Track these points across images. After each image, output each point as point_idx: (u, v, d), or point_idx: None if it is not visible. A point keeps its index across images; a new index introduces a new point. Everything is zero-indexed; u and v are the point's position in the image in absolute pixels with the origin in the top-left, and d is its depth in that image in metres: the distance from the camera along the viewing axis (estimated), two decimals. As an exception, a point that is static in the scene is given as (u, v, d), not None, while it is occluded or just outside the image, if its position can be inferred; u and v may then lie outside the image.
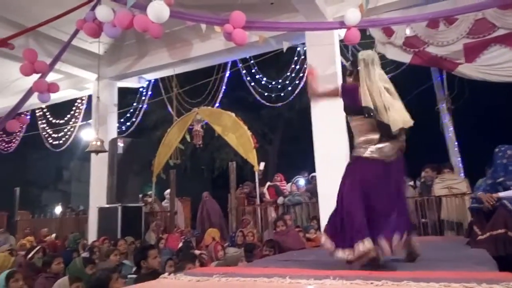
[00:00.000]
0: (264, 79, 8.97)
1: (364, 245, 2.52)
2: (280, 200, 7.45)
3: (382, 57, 6.06)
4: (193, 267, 3.53)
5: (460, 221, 5.58)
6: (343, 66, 6.18)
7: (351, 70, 3.09)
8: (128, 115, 9.90)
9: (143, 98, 9.62)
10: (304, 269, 2.51)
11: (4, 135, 10.57)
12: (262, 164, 7.52)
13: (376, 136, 2.83)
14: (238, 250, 4.81)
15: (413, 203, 5.89)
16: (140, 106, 9.68)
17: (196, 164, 16.46)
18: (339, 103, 3.13)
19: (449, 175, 6.12)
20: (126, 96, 10.18)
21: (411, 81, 8.06)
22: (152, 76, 9.17)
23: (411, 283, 1.97)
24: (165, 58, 8.11)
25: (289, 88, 8.66)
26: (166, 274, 2.36)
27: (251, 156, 7.31)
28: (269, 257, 4.14)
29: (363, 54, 2.99)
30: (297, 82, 8.43)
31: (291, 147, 15.36)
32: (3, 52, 6.58)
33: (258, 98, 8.91)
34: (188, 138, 8.27)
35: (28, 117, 9.73)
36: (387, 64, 6.43)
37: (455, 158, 8.28)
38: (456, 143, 8.41)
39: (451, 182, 5.92)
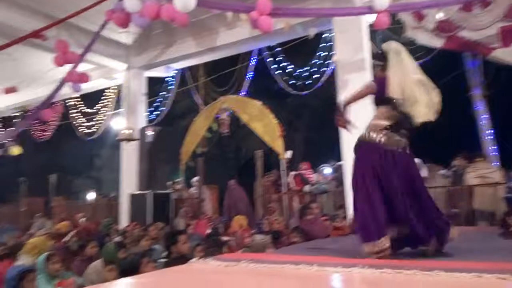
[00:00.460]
0: (290, 66, 8.89)
1: (382, 243, 2.56)
2: (306, 188, 7.44)
3: (411, 42, 5.89)
4: (221, 253, 3.61)
5: (492, 211, 5.41)
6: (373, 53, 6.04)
7: (380, 63, 3.04)
8: (157, 104, 10.08)
9: (171, 87, 9.77)
10: (332, 257, 2.52)
11: (39, 124, 11.00)
12: (290, 153, 7.50)
13: (391, 123, 2.84)
14: (265, 237, 4.85)
15: (444, 193, 5.75)
16: (168, 95, 9.83)
17: (222, 152, 16.62)
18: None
19: (482, 164, 5.91)
20: (155, 85, 10.36)
21: (441, 67, 7.79)
22: (179, 65, 9.28)
23: (441, 273, 1.94)
24: (191, 47, 8.17)
25: (316, 76, 8.56)
26: (195, 259, 2.42)
27: (277, 144, 7.31)
28: (296, 245, 4.17)
29: (390, 45, 2.97)
30: (323, 69, 8.32)
31: (317, 136, 15.22)
32: (36, 43, 6.83)
33: (284, 86, 8.86)
34: (214, 126, 8.36)
35: (61, 106, 10.09)
36: (417, 50, 6.23)
37: (489, 147, 8.00)
38: (490, 131, 8.10)
39: (485, 171, 5.72)
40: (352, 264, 2.12)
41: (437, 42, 5.86)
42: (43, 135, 11.29)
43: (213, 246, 4.06)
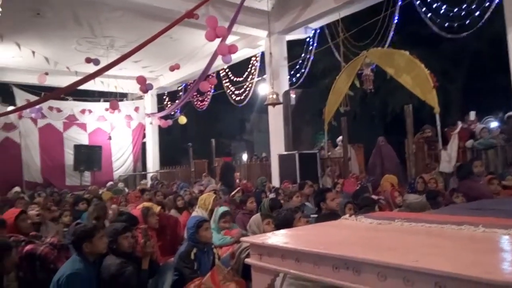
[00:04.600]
0: (444, 6, 7.78)
1: None
2: (469, 143, 6.64)
3: None
4: (373, 211, 3.58)
5: None
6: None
7: None
8: (298, 66, 10.21)
9: (310, 48, 9.74)
10: (501, 219, 2.25)
11: (198, 95, 12.43)
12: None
13: None
14: (419, 197, 4.59)
15: None
16: (308, 56, 9.84)
17: (367, 110, 16.02)
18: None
19: None
20: (294, 48, 10.48)
21: None
22: (318, 24, 9.14)
23: None
24: (329, 3, 7.94)
25: (476, 14, 7.31)
26: (347, 215, 2.47)
27: (430, 97, 6.64)
28: (457, 205, 3.84)
29: None
30: (486, 4, 7.03)
31: (479, 84, 13.25)
32: (191, 22, 7.60)
33: (437, 30, 7.85)
34: (357, 83, 8.05)
35: (215, 77, 11.15)
36: None
37: None
38: None
39: None
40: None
41: None
42: (203, 104, 12.74)
43: (364, 205, 4.05)
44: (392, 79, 7.58)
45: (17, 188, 10.30)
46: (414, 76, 6.84)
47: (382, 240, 1.79)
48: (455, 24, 7.81)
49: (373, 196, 5.04)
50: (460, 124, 7.07)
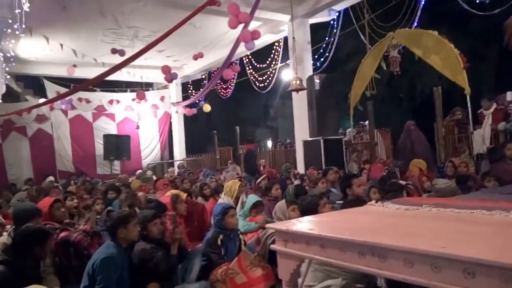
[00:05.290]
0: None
1: None
2: (501, 126, 6.39)
3: None
4: (401, 197, 3.52)
5: None
6: None
7: None
8: (321, 50, 10.04)
9: (334, 31, 9.53)
10: (536, 204, 2.16)
11: (222, 83, 12.47)
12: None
13: None
14: (449, 181, 4.48)
15: None
16: (332, 39, 9.65)
17: (394, 93, 15.63)
18: None
19: None
20: (318, 32, 10.29)
21: None
22: (342, 5, 8.91)
23: None
24: (354, -18, 7.72)
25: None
26: (373, 201, 2.44)
27: (460, 78, 6.41)
28: (488, 189, 3.72)
29: None
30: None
31: (513, 63, 12.63)
32: (213, 10, 7.57)
33: (467, 8, 7.51)
34: (384, 66, 7.85)
35: (238, 65, 11.13)
36: None
37: None
38: None
39: None
40: None
41: None
42: (226, 92, 12.78)
43: (391, 190, 3.99)
44: (420, 61, 7.35)
45: (51, 178, 10.74)
46: (443, 56, 6.60)
47: (409, 226, 1.76)
48: (487, 1, 7.43)
49: (401, 182, 4.95)
50: (494, 105, 6.80)
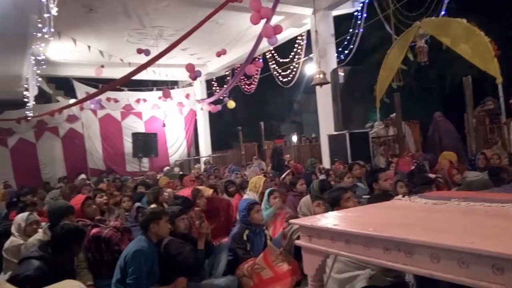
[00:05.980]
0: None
1: None
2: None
3: None
4: (430, 191, 3.44)
5: None
6: None
7: None
8: (346, 43, 9.87)
9: (359, 22, 9.34)
10: None
11: (246, 79, 12.48)
12: None
13: None
14: (480, 174, 4.33)
15: None
16: (356, 31, 9.46)
17: (422, 83, 15.19)
18: None
19: None
20: (341, 24, 10.12)
21: None
22: (366, -5, 8.73)
23: None
24: (378, -28, 7.53)
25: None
26: (400, 196, 2.40)
27: (492, 67, 6.15)
28: (522, 182, 3.58)
29: None
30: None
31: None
32: (234, 6, 7.57)
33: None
34: (410, 56, 7.64)
35: (261, 60, 11.11)
36: None
37: None
38: None
39: None
40: None
41: None
42: (250, 88, 12.79)
43: (420, 184, 3.90)
44: (449, 50, 7.10)
45: (82, 175, 11.12)
46: (473, 45, 6.35)
47: (436, 221, 1.72)
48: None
49: (430, 175, 4.83)
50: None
